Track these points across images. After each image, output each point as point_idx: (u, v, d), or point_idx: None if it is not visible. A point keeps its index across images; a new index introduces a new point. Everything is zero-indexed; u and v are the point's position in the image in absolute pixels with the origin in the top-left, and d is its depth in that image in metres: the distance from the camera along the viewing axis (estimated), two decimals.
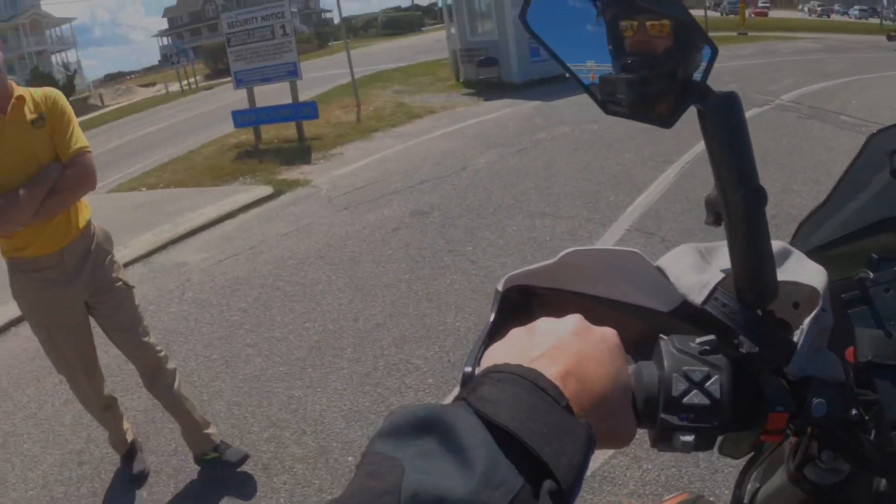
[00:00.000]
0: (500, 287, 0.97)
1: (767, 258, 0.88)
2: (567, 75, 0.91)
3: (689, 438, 0.80)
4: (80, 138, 3.24)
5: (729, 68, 17.58)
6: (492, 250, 6.11)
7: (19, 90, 3.16)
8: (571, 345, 0.73)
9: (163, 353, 3.65)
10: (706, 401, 0.81)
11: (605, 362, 0.74)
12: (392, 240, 6.85)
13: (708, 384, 0.82)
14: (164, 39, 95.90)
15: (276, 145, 13.06)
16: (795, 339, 0.88)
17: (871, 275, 0.96)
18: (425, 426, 0.59)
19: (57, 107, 3.21)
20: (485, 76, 17.42)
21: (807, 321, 0.88)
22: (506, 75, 17.34)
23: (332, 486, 3.53)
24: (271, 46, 12.92)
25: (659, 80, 0.89)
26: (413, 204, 7.97)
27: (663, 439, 0.82)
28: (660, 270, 0.97)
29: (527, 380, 0.64)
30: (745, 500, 1.37)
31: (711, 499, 1.39)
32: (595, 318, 0.90)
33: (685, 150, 8.59)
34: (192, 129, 18.62)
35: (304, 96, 13.89)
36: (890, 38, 30.73)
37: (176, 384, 3.65)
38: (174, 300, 6.21)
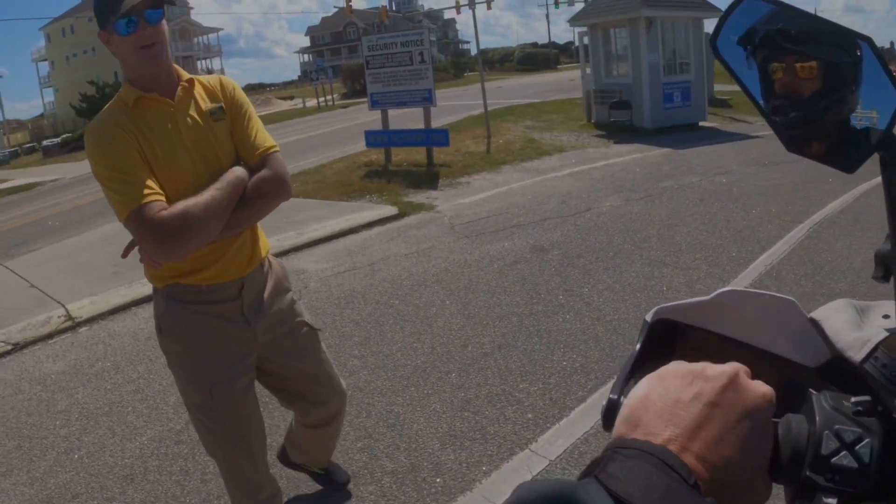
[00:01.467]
0: (648, 318, 0.97)
1: None
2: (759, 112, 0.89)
3: (832, 501, 0.75)
4: (267, 136, 2.67)
5: None
6: (607, 294, 6.08)
7: (187, 74, 2.59)
8: (720, 408, 0.72)
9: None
10: (854, 464, 0.76)
11: (752, 431, 0.73)
12: (510, 272, 6.89)
13: (859, 447, 0.77)
14: (305, 56, 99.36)
15: (405, 168, 13.33)
16: None
17: None
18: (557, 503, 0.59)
19: (237, 97, 2.65)
20: (616, 119, 17.32)
21: None
22: (637, 120, 17.20)
23: None
24: (408, 72, 13.23)
25: (807, 125, 0.88)
26: (534, 239, 8.00)
27: (803, 498, 0.77)
28: (814, 323, 0.94)
29: (655, 457, 0.64)
30: None
31: None
32: (739, 362, 0.89)
33: (814, 210, 8.35)
34: (325, 144, 19.21)
35: (436, 123, 14.16)
36: None
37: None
38: None
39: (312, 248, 8.51)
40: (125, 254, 2.53)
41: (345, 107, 39.30)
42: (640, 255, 7.11)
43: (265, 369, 2.84)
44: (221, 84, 2.65)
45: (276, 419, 4.24)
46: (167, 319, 2.62)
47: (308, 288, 6.95)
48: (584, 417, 4.17)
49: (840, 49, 0.85)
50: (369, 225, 9.32)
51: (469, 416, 4.30)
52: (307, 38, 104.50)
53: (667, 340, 0.99)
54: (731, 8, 0.92)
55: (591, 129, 17.57)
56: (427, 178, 12.23)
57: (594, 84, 18.60)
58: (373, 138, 13.70)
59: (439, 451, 3.96)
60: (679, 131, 16.40)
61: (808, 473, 0.76)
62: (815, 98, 0.85)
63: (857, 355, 0.86)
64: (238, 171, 2.49)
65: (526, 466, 3.83)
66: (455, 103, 26.23)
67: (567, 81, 36.70)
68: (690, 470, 0.64)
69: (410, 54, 13.15)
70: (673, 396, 0.73)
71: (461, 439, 4.07)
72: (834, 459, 0.75)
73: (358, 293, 6.66)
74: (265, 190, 2.53)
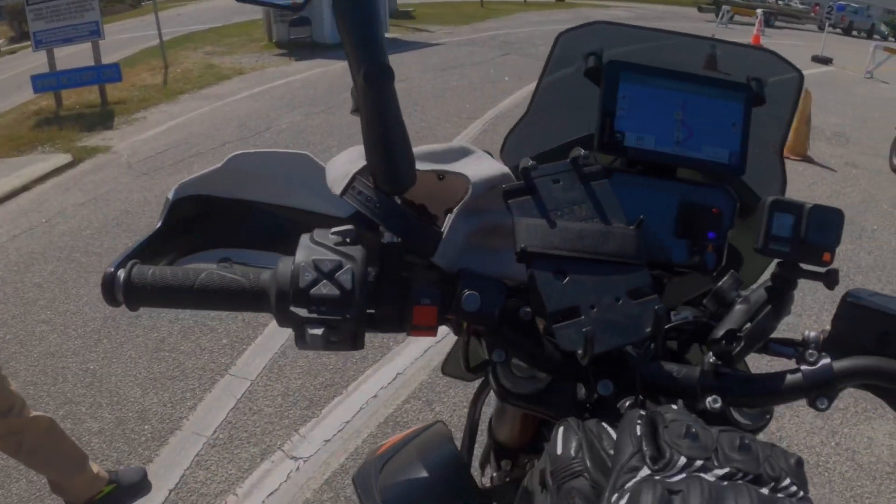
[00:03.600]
0: (170, 195, 0.94)
1: (398, 140, 0.82)
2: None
3: (318, 332, 0.76)
4: None
5: (540, 32, 18.24)
6: None
7: None
8: None
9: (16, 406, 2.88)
10: (336, 291, 0.77)
11: None
12: None
13: (338, 274, 0.78)
14: None
15: (78, 111, 12.50)
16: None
17: (534, 163, 0.90)
18: None
19: None
20: (296, 36, 17.27)
21: (455, 210, 0.86)
22: (318, 36, 17.25)
23: (130, 457, 3.58)
24: (72, 5, 12.23)
25: None
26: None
27: (299, 337, 0.78)
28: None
29: None
30: (479, 422, 1.40)
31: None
32: (272, 227, 0.96)
33: (490, 107, 8.91)
34: None
35: (111, 59, 13.36)
36: (700, 9, 32.53)
37: (45, 434, 2.99)
38: None
39: None
40: None
41: (13, 52, 35.77)
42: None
43: None
44: None
45: None
46: None
47: None
48: (277, 332, 4.33)
49: None
50: (43, 178, 8.70)
51: (166, 356, 4.34)
52: None
53: (194, 219, 0.97)
54: None
55: (272, 49, 17.35)
56: (102, 118, 11.56)
57: None
58: (40, 83, 12.66)
59: (142, 398, 3.98)
60: None
61: (291, 308, 0.77)
62: None
63: (338, 189, 0.87)
64: None
65: (229, 391, 3.96)
66: (131, 35, 24.58)
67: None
68: None
69: None
70: None
71: (161, 380, 4.12)
72: (313, 290, 0.77)
73: (38, 254, 6.32)
74: None
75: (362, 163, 0.87)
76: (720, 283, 0.94)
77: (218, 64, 15.66)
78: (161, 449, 3.63)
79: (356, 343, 0.81)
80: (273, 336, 4.35)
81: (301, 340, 0.78)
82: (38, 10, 12.46)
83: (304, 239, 0.82)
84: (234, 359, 4.21)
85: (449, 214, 0.86)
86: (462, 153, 0.93)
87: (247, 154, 0.96)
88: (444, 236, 0.84)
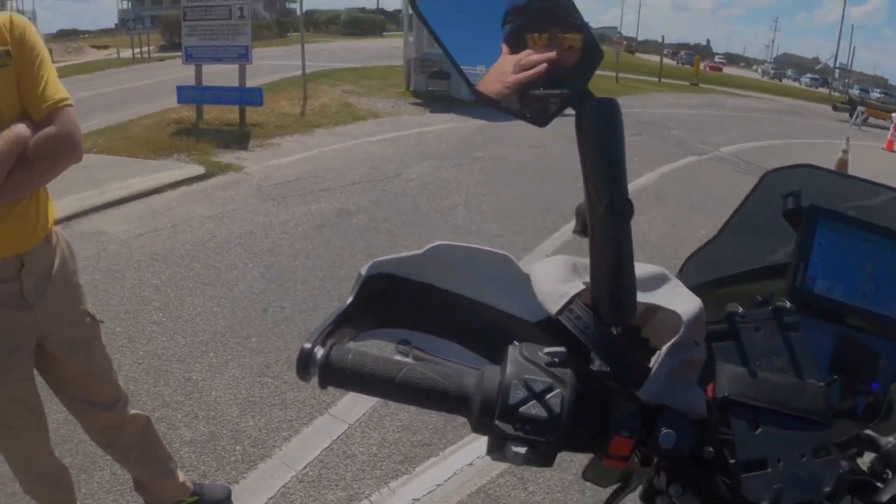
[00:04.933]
0: (363, 272, 0.95)
1: (626, 274, 0.83)
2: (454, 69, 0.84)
3: (522, 450, 0.76)
4: (59, 87, 2.24)
5: (674, 115, 18.02)
6: None
7: None
8: None
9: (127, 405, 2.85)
10: (544, 413, 0.78)
11: None
12: (314, 236, 6.88)
13: (548, 396, 0.79)
14: (124, 3, 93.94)
15: (217, 127, 12.94)
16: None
17: (741, 310, 0.93)
18: None
19: (27, 40, 2.19)
20: (434, 88, 17.54)
21: (665, 347, 0.84)
22: (455, 90, 17.40)
23: (217, 473, 3.53)
24: (226, 27, 12.79)
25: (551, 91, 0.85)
26: (341, 203, 8.01)
27: (496, 448, 0.79)
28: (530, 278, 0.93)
29: None
30: None
31: None
32: (457, 319, 0.95)
33: None
34: (136, 99, 18.29)
35: (253, 83, 13.81)
36: (836, 108, 31.88)
37: (142, 433, 2.92)
38: (87, 268, 6.10)
39: (115, 208, 8.07)
40: None
41: (161, 60, 37.52)
42: (446, 221, 7.27)
43: (40, 363, 2.50)
44: (11, 23, 2.17)
45: None
46: None
47: (107, 251, 6.64)
48: None
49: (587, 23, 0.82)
50: (175, 185, 8.98)
51: (269, 382, 4.29)
52: None
53: (380, 295, 0.98)
54: None
55: (408, 97, 17.70)
56: (238, 137, 11.92)
57: (415, 52, 18.68)
58: (185, 94, 13.18)
59: (238, 419, 3.93)
60: None
61: (497, 422, 0.77)
62: (573, 70, 0.81)
63: (553, 308, 0.86)
64: (18, 129, 2.10)
65: (325, 430, 3.88)
66: (276, 63, 25.58)
67: (392, 48, 36.59)
68: None
69: (230, 9, 12.71)
70: None
71: (260, 405, 4.06)
72: (522, 409, 0.77)
73: (159, 256, 6.45)
74: (50, 150, 2.13)
75: (579, 284, 0.87)
76: (888, 446, 0.94)
77: (355, 104, 16.02)
78: (249, 473, 3.56)
79: (550, 462, 0.80)
80: None
81: (498, 452, 0.79)
82: (193, 27, 13.06)
83: (514, 352, 0.83)
84: (335, 399, 4.12)
85: (658, 351, 0.85)
86: (661, 280, 0.93)
87: (451, 246, 0.97)
88: (652, 372, 0.83)
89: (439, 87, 17.45)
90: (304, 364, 0.83)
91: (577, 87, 0.80)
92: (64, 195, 8.01)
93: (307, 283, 5.69)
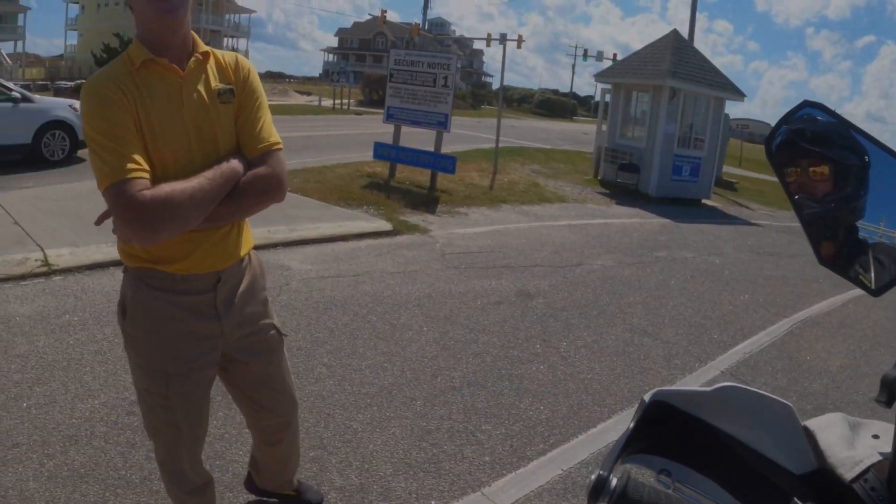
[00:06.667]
0: (646, 398, 0.97)
1: None
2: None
3: None
4: (273, 131, 2.45)
5: None
6: (584, 351, 6.05)
7: (204, 46, 2.36)
8: None
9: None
10: None
11: None
12: (492, 312, 6.86)
13: None
14: (331, 56, 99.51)
15: (407, 186, 13.32)
16: None
17: None
18: None
19: (250, 82, 2.43)
20: (623, 180, 17.43)
21: None
22: (643, 185, 17.33)
23: None
24: (429, 93, 13.27)
25: (820, 224, 0.89)
26: (522, 284, 7.97)
27: None
28: (807, 432, 0.94)
29: None
30: None
31: None
32: (721, 457, 0.94)
33: (801, 307, 8.41)
34: (332, 147, 19.22)
35: (446, 150, 14.16)
36: None
37: (291, 437, 3.14)
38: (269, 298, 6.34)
39: (301, 247, 8.44)
40: (98, 221, 2.34)
41: (359, 114, 39.35)
42: (623, 319, 7.10)
43: (224, 366, 2.69)
44: (237, 64, 2.43)
45: (230, 427, 4.17)
46: (132, 304, 2.42)
47: (289, 286, 6.89)
48: (540, 470, 4.13)
49: (850, 152, 0.86)
50: (361, 236, 9.28)
51: (427, 447, 4.24)
52: (335, 39, 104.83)
53: (657, 420, 1.00)
54: (790, 113, 0.92)
55: (595, 185, 17.65)
56: (427, 200, 12.21)
57: (607, 142, 18.71)
58: (381, 150, 13.68)
59: (391, 477, 3.90)
60: (681, 204, 16.53)
61: None
62: (825, 198, 0.86)
63: (847, 474, 0.85)
64: (234, 164, 2.29)
65: None
66: (466, 132, 26.32)
67: (580, 134, 36.97)
68: None
69: (435, 76, 13.20)
70: None
71: (415, 469, 4.01)
72: None
73: (338, 301, 6.61)
74: (259, 188, 2.33)
75: (874, 454, 0.86)
76: None
77: (542, 185, 16.13)
78: None
79: None
80: (535, 473, 4.12)
81: None
82: (398, 89, 13.59)
83: None
84: (491, 479, 4.02)
85: None
86: None
87: (740, 389, 0.98)
88: None
89: (628, 180, 17.34)
90: (597, 490, 0.85)
91: None
92: (256, 225, 8.38)
93: (479, 358, 5.64)
